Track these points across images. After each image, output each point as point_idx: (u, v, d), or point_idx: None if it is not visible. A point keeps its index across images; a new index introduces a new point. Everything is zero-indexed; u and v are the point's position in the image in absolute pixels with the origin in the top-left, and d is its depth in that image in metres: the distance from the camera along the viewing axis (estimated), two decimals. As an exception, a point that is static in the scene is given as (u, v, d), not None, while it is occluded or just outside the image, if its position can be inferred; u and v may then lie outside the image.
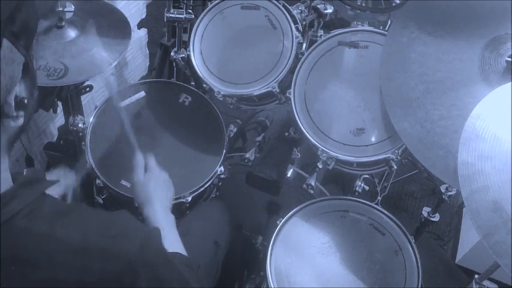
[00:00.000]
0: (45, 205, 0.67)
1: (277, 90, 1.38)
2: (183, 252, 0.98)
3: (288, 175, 1.48)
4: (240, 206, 1.55)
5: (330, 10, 1.40)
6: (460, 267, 2.02)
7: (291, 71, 1.38)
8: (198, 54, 1.46)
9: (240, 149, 1.70)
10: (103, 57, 1.37)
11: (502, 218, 0.85)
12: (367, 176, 1.60)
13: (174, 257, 0.86)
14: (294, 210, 1.30)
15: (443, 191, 1.43)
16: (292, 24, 1.40)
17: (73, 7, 1.38)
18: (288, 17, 1.41)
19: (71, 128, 1.45)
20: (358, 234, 1.28)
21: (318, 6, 1.40)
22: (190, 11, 1.61)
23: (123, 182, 1.32)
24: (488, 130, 0.94)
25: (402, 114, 1.15)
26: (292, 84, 1.35)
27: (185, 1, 1.61)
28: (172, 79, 1.79)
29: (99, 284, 0.68)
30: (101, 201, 1.36)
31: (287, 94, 1.38)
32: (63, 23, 1.38)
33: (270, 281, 1.18)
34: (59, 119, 1.97)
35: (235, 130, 1.59)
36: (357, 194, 1.52)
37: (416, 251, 1.23)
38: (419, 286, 1.18)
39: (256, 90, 1.39)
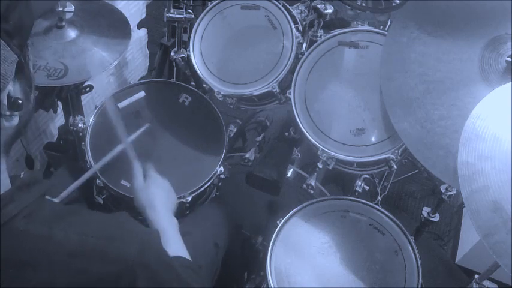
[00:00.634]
0: (44, 207, 0.67)
1: (277, 90, 1.38)
2: (187, 256, 0.98)
3: (288, 175, 1.48)
4: (240, 206, 1.55)
5: (330, 10, 1.40)
6: (460, 267, 2.02)
7: (291, 71, 1.38)
8: (198, 54, 1.46)
9: (240, 149, 1.70)
10: (103, 57, 1.37)
11: (502, 218, 0.85)
12: (367, 176, 1.60)
13: (176, 260, 0.86)
14: (294, 210, 1.30)
15: (443, 191, 1.43)
16: (292, 24, 1.40)
17: (73, 7, 1.38)
18: (288, 17, 1.41)
19: (71, 128, 1.45)
20: (358, 234, 1.28)
21: (318, 6, 1.40)
22: (190, 11, 1.61)
23: (123, 182, 1.31)
24: (488, 130, 0.94)
25: (402, 114, 1.15)
26: (292, 84, 1.35)
27: (185, 1, 1.61)
28: (172, 79, 1.79)
29: (97, 286, 0.68)
30: (101, 201, 1.36)
31: (287, 94, 1.38)
32: (63, 23, 1.38)
33: (270, 281, 1.18)
34: (59, 119, 1.97)
35: (235, 130, 1.59)
36: (357, 194, 1.52)
37: (416, 251, 1.23)
38: (419, 286, 1.18)
39: (256, 90, 1.39)
